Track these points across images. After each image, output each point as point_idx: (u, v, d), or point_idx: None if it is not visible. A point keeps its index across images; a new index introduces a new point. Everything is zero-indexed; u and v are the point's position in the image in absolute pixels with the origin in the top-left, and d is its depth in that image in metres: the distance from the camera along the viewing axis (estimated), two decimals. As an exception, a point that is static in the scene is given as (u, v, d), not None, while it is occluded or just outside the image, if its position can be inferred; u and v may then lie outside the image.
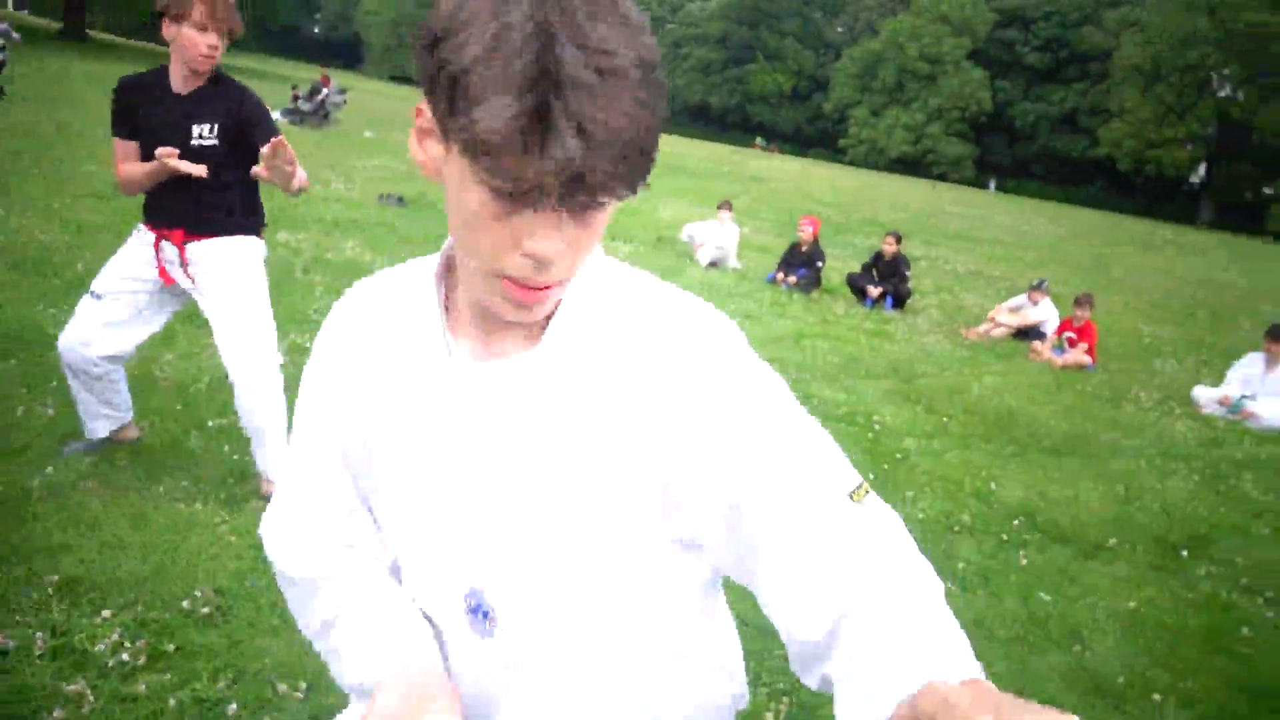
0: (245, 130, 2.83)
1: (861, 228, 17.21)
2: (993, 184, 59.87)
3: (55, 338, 3.08)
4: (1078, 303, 8.23)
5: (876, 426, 5.25)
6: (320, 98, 18.12)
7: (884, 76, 66.85)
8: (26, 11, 42.96)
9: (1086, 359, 8.00)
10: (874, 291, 9.34)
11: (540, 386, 0.82)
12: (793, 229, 11.05)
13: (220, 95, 2.86)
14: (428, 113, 0.75)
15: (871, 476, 4.41)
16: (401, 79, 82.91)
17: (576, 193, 0.69)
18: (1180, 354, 9.48)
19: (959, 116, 64.92)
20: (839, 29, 79.07)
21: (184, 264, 2.97)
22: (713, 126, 74.90)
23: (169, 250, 2.96)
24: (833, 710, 0.75)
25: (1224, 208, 58.03)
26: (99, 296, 2.98)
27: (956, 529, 4.00)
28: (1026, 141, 68.38)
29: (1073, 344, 8.10)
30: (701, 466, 0.81)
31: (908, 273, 9.58)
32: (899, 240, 9.66)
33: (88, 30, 31.48)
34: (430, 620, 0.93)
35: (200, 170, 2.73)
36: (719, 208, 10.39)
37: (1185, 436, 6.18)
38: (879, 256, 9.66)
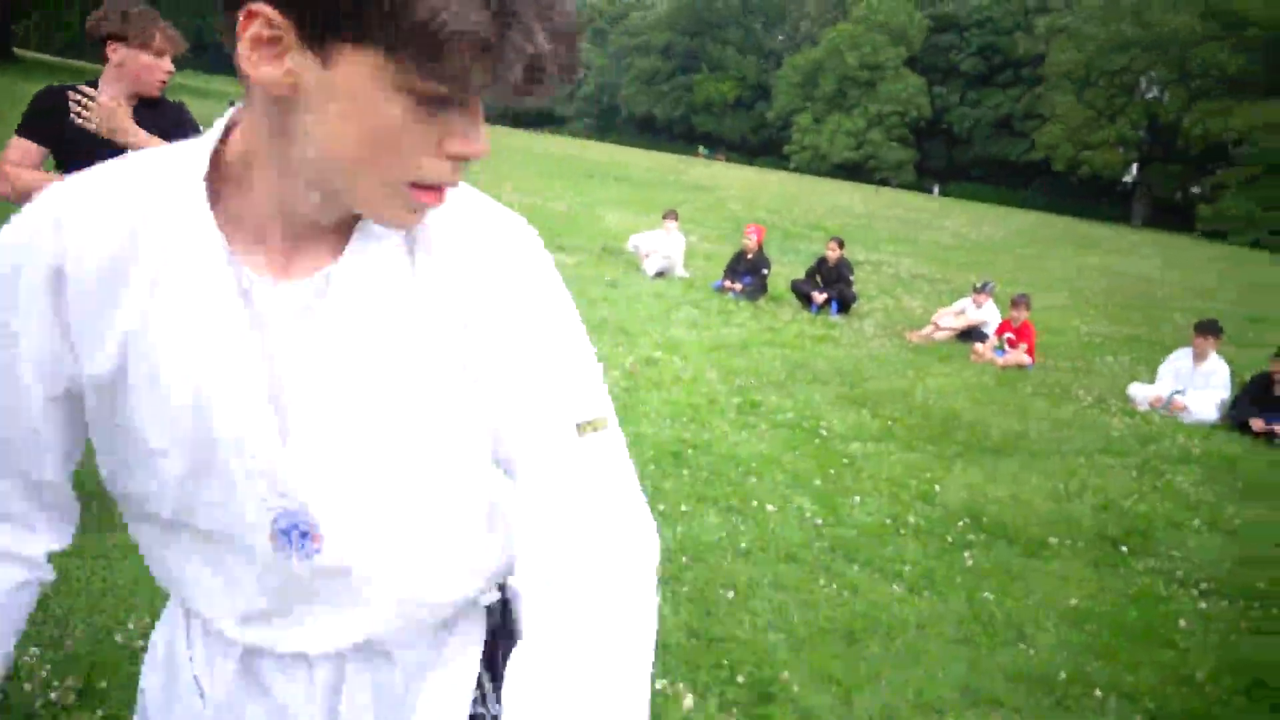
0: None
1: (806, 234, 17.41)
2: (936, 189, 61.04)
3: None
4: (1014, 303, 8.41)
5: (823, 431, 5.29)
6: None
7: (825, 84, 67.84)
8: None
9: (1026, 359, 8.17)
10: (819, 297, 9.45)
11: (351, 297, 0.78)
12: (738, 237, 11.14)
13: (159, 115, 2.82)
14: (277, 18, 0.64)
15: (818, 482, 4.45)
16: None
17: (534, 86, 0.67)
18: (1117, 351, 9.74)
19: (899, 122, 66.14)
20: (780, 38, 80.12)
21: None
22: (659, 136, 75.29)
23: None
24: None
25: (1156, 207, 59.94)
26: None
27: (902, 531, 4.05)
28: (965, 145, 69.91)
29: (1013, 344, 8.27)
30: (485, 361, 0.82)
31: (851, 277, 9.71)
32: (841, 245, 9.78)
33: (15, 49, 30.58)
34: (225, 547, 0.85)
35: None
36: (664, 217, 10.43)
37: (1122, 433, 6.34)
38: (823, 262, 9.78)
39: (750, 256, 9.79)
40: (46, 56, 35.02)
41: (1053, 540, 4.20)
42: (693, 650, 2.83)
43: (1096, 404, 7.13)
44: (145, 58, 2.73)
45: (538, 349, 0.82)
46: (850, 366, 7.10)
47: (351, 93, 0.67)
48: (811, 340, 7.97)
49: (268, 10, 0.64)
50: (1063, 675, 2.99)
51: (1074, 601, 3.58)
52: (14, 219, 0.77)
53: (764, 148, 75.70)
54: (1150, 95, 57.64)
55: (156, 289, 0.76)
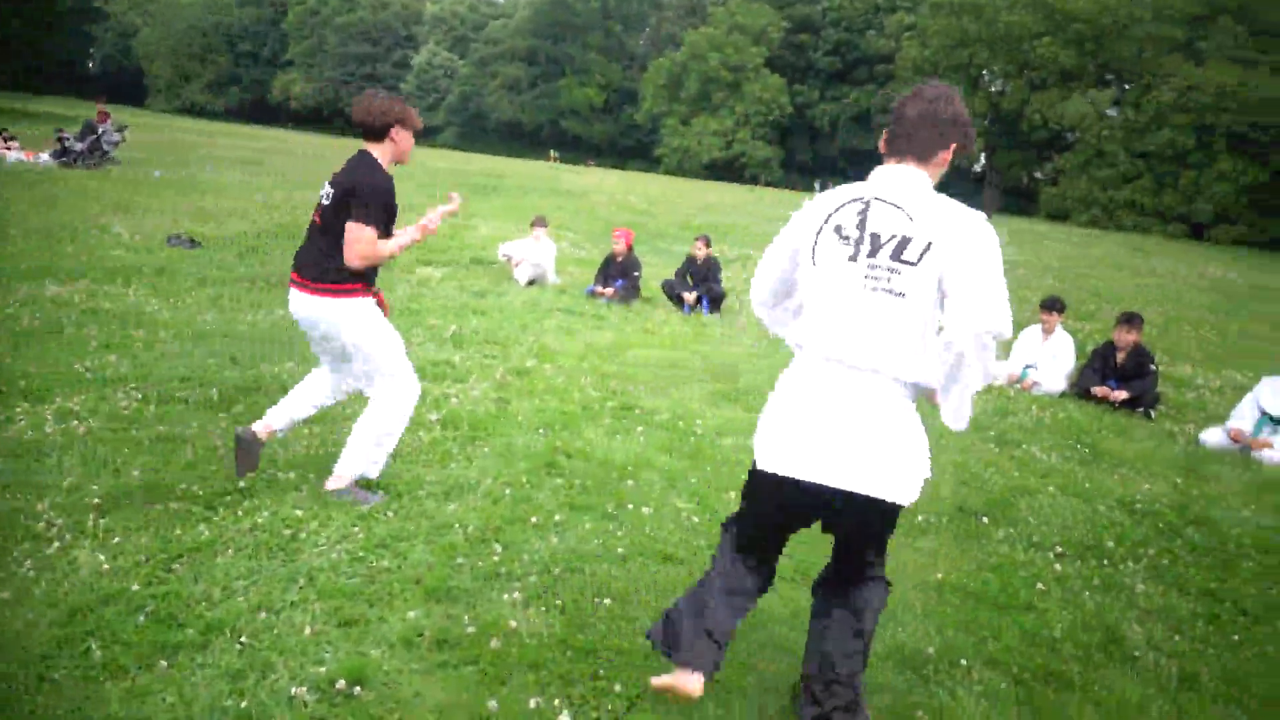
0: None
1: (678, 234, 17.58)
2: (818, 185, 62.77)
3: None
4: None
5: (698, 430, 5.32)
6: (95, 136, 16.70)
7: (689, 86, 68.93)
8: None
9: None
10: (689, 297, 9.54)
11: None
12: (610, 241, 11.14)
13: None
14: None
15: (694, 481, 4.46)
16: (191, 111, 77.96)
17: None
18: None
19: (763, 121, 67.87)
20: (641, 41, 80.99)
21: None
22: (525, 143, 74.72)
23: None
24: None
25: (1005, 192, 63.54)
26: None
27: (777, 523, 4.09)
28: (828, 140, 72.34)
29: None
30: None
31: (720, 275, 9.85)
32: (708, 244, 9.91)
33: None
34: None
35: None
36: (533, 224, 10.33)
37: (981, 409, 6.63)
38: (691, 261, 9.88)
39: (620, 260, 9.80)
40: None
41: (920, 518, 4.34)
42: (568, 664, 2.77)
43: (956, 383, 7.44)
44: (411, 138, 3.71)
45: None
46: (723, 363, 7.19)
47: None
48: (685, 340, 8.03)
49: None
50: (930, 650, 3.08)
51: (939, 576, 3.70)
52: None
53: (634, 151, 76.28)
54: (994, 88, 61.03)
55: None
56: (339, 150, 36.55)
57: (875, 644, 3.11)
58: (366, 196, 3.49)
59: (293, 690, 2.50)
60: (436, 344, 6.72)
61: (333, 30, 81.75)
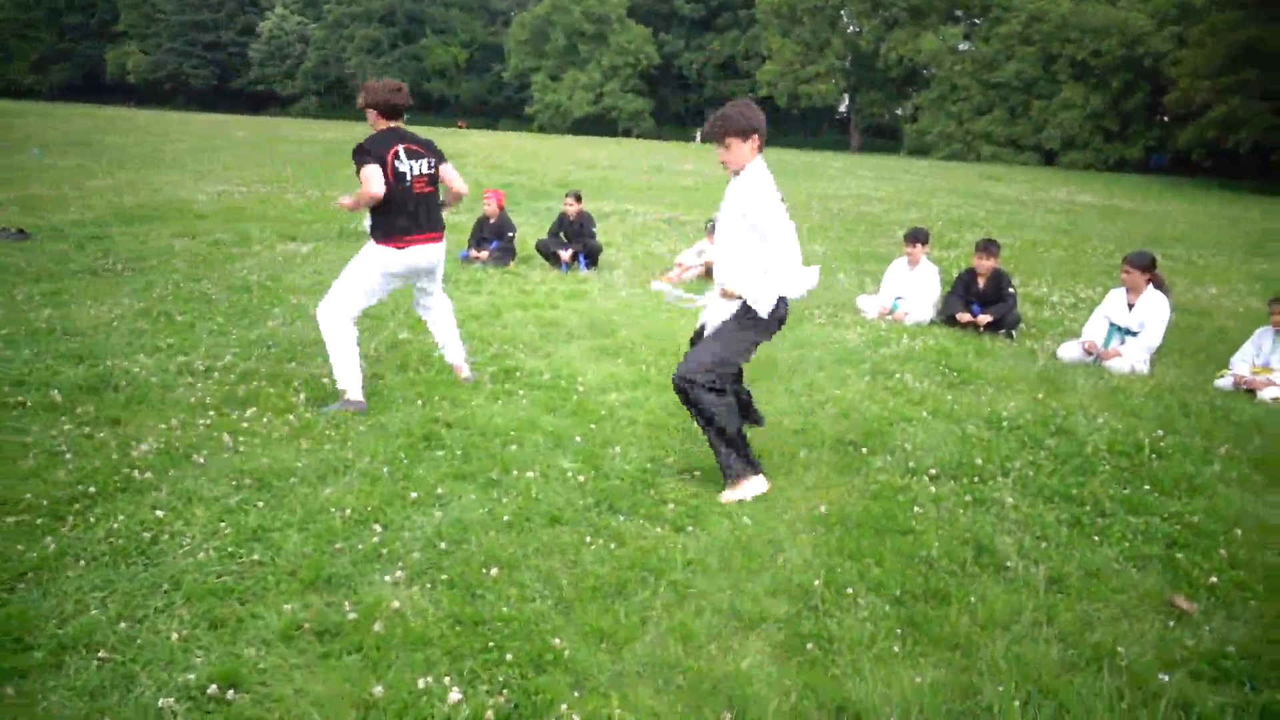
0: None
1: (554, 192, 17.35)
2: (698, 136, 62.67)
3: None
4: (751, 235, 8.78)
5: (580, 388, 5.27)
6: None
7: (555, 40, 67.78)
8: None
9: (767, 286, 8.58)
10: (565, 255, 9.43)
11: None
12: (481, 203, 10.87)
13: None
14: None
15: (579, 439, 4.42)
16: (12, 93, 71.61)
17: None
18: (845, 268, 10.48)
19: (632, 72, 67.47)
20: (504, -4, 78.88)
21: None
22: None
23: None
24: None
25: (868, 131, 65.32)
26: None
27: (664, 473, 4.10)
28: (696, 89, 72.53)
29: (753, 274, 8.65)
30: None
31: (594, 230, 9.75)
32: (579, 199, 9.78)
33: None
34: None
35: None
36: (398, 191, 9.95)
37: (856, 343, 6.81)
38: (564, 218, 9.75)
39: (493, 222, 9.58)
40: None
41: (801, 454, 4.43)
42: (457, 638, 2.70)
43: (831, 320, 7.63)
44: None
45: None
46: (602, 319, 7.14)
47: None
48: (563, 298, 7.93)
49: None
50: (817, 582, 3.15)
51: (823, 509, 3.79)
52: None
53: (504, 109, 74.79)
54: (851, 29, 62.32)
55: None
56: (181, 126, 34.27)
57: (765, 582, 3.17)
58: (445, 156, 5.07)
59: (160, 702, 2.35)
60: (303, 322, 6.42)
61: (167, -4, 76.38)
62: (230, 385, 4.93)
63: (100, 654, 2.55)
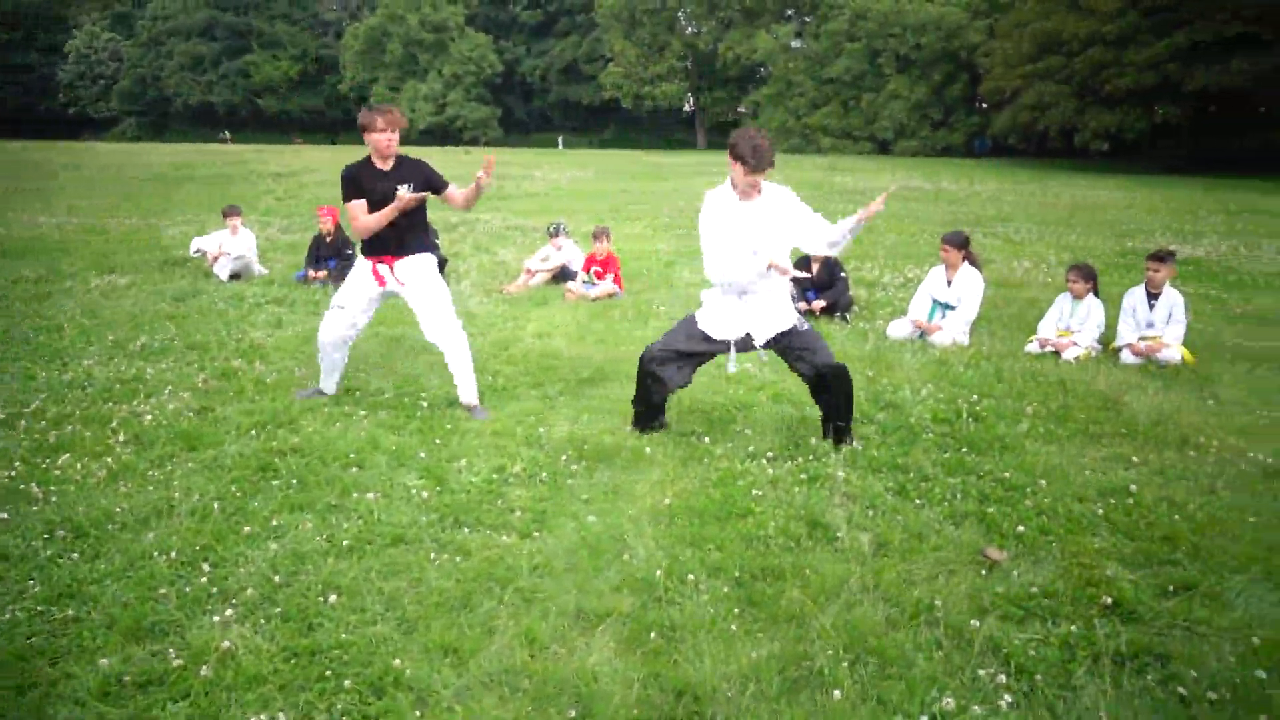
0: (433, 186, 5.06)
1: (397, 205, 16.95)
2: (561, 140, 62.44)
3: None
4: (595, 237, 8.88)
5: (424, 404, 5.19)
6: None
7: (393, 50, 66.23)
8: None
9: (615, 288, 8.70)
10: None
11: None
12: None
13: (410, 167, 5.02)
14: None
15: (423, 455, 4.36)
16: None
17: None
18: (691, 265, 10.71)
19: (475, 80, 66.68)
20: (334, 7, 76.47)
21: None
22: (220, 128, 68.66)
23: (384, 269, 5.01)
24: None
25: (713, 130, 66.91)
26: (342, 308, 5.06)
27: (510, 481, 4.10)
28: (542, 95, 72.40)
29: (600, 276, 8.75)
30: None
31: (437, 240, 9.59)
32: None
33: None
34: None
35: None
36: (225, 215, 9.51)
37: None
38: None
39: (330, 240, 9.29)
40: None
41: (649, 450, 4.50)
42: (292, 672, 2.62)
43: (677, 316, 7.78)
44: (374, 137, 4.88)
45: None
46: (449, 331, 7.03)
47: None
48: (407, 312, 7.75)
49: None
50: (659, 572, 3.22)
51: (668, 501, 3.88)
52: None
53: (344, 124, 72.40)
54: (690, 30, 63.74)
55: None
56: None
57: (611, 578, 3.22)
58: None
59: (-43, 781, 2.18)
60: (123, 359, 6.05)
61: (-44, 17, 70.21)
62: (40, 433, 4.59)
63: (-114, 738, 2.34)
